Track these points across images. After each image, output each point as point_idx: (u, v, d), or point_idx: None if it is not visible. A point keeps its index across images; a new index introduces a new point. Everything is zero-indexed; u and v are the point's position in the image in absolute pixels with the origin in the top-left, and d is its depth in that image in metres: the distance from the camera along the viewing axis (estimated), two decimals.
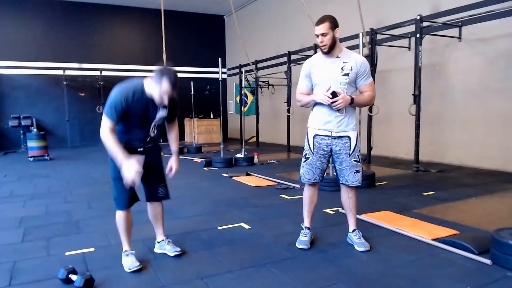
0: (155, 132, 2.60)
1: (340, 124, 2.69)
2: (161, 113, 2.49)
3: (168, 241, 2.77)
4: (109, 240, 3.06)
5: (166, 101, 2.35)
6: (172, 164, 2.66)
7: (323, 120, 2.72)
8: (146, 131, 2.53)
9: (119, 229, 2.56)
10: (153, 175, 2.62)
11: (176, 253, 2.69)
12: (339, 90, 2.61)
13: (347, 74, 2.64)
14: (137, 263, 2.47)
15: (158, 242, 2.79)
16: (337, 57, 2.67)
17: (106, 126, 2.31)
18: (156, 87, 2.29)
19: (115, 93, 2.35)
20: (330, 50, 2.63)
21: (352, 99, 2.63)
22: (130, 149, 2.42)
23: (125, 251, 2.56)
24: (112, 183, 2.50)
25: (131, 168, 2.23)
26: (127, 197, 2.50)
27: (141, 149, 2.53)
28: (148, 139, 2.56)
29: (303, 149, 2.89)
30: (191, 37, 13.62)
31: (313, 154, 2.78)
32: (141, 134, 2.52)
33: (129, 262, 2.48)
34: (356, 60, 2.67)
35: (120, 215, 2.53)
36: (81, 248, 2.88)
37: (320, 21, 2.59)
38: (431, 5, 6.81)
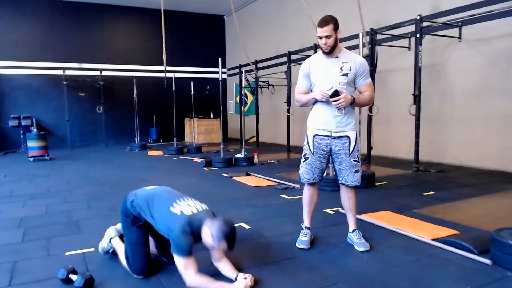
0: None
1: (339, 124, 2.70)
2: None
3: None
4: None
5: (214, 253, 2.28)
6: (250, 282, 2.23)
7: (323, 120, 2.72)
8: None
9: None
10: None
11: None
12: (341, 89, 2.62)
13: (346, 74, 2.64)
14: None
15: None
16: (337, 57, 2.68)
17: (188, 270, 2.12)
18: (214, 242, 2.14)
19: (180, 234, 2.14)
20: (331, 51, 2.64)
21: (353, 98, 2.64)
22: None
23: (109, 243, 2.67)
24: (129, 247, 2.40)
25: None
26: (147, 264, 2.39)
27: None
28: None
29: (302, 149, 2.89)
30: (191, 37, 13.62)
31: (312, 154, 2.78)
32: None
33: (105, 245, 2.64)
34: (355, 60, 2.68)
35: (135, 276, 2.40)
36: (81, 248, 2.88)
37: (323, 23, 2.58)
38: (431, 5, 6.81)
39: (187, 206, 2.28)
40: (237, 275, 2.25)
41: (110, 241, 2.65)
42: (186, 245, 2.12)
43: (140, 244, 2.37)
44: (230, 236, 2.13)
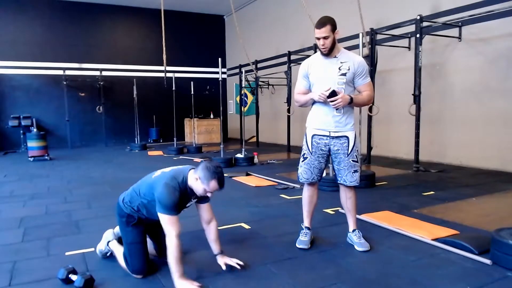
0: None
1: (338, 124, 2.70)
2: (193, 201, 2.43)
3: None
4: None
5: (210, 196, 2.33)
6: (233, 263, 2.40)
7: (322, 120, 2.73)
8: None
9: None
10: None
11: None
12: (339, 89, 2.62)
13: (344, 74, 2.65)
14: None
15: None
16: (335, 57, 2.68)
17: (171, 227, 2.15)
18: (203, 184, 2.19)
19: (163, 188, 2.18)
20: (329, 52, 2.65)
21: (351, 98, 2.64)
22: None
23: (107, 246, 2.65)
24: (126, 247, 2.40)
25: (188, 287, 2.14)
26: (145, 263, 2.39)
27: None
28: None
29: (301, 149, 2.89)
30: (191, 37, 13.62)
31: (311, 153, 2.78)
32: None
33: (102, 247, 2.63)
34: (353, 60, 2.68)
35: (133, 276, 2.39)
36: (81, 248, 2.88)
37: (321, 24, 2.58)
38: (431, 5, 6.81)
39: (166, 168, 2.37)
40: (218, 253, 2.43)
41: (107, 244, 2.64)
42: (170, 201, 2.13)
43: (137, 244, 2.38)
44: (218, 172, 2.17)
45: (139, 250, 2.37)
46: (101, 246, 2.68)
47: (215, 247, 2.47)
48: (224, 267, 2.39)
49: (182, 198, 2.24)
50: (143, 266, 2.36)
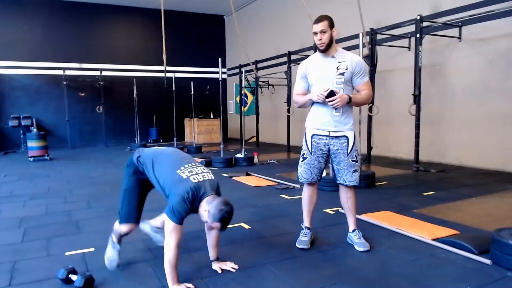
0: None
1: (337, 123, 2.70)
2: None
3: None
4: (109, 240, 3.05)
5: (218, 229, 2.27)
6: (228, 266, 2.47)
7: (321, 120, 2.73)
8: None
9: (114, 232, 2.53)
10: None
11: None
12: (337, 89, 2.62)
13: (342, 74, 2.65)
14: (117, 261, 2.49)
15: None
16: (333, 57, 2.69)
17: (174, 236, 2.14)
18: (209, 218, 2.14)
19: (181, 200, 2.13)
20: (327, 49, 2.65)
21: (350, 98, 2.64)
22: None
23: (113, 242, 2.54)
24: (122, 193, 2.44)
25: None
26: (136, 211, 2.43)
27: None
28: None
29: (301, 149, 2.90)
30: (191, 37, 13.62)
31: (310, 153, 2.78)
32: None
33: (111, 255, 2.50)
34: (351, 59, 2.68)
35: (121, 230, 2.44)
36: (81, 248, 2.88)
37: (318, 20, 2.63)
38: (431, 5, 6.81)
39: (195, 173, 2.23)
40: (214, 260, 2.47)
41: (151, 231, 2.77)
42: (181, 212, 2.12)
43: (132, 192, 2.39)
44: (225, 218, 2.13)
45: (132, 198, 2.39)
46: (146, 228, 2.79)
47: (212, 253, 2.49)
48: (219, 271, 2.42)
49: (191, 211, 2.22)
50: (129, 213, 2.38)
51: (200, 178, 2.21)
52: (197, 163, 2.37)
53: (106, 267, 2.50)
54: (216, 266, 2.46)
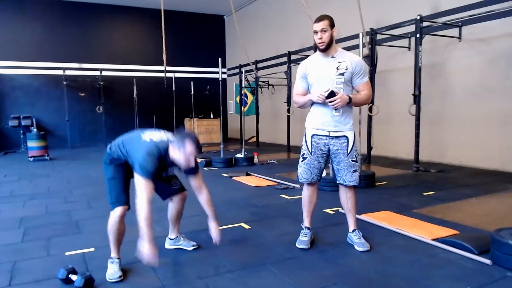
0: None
1: (337, 124, 2.70)
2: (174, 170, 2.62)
3: (183, 237, 2.89)
4: (109, 240, 3.05)
5: (192, 163, 2.41)
6: (213, 234, 2.61)
7: (321, 120, 2.73)
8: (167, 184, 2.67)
9: (110, 233, 2.45)
10: (165, 182, 2.70)
11: (194, 247, 2.82)
12: (337, 89, 2.62)
13: (342, 74, 2.65)
14: (119, 274, 2.37)
15: (171, 239, 2.87)
16: (333, 57, 2.69)
17: (145, 191, 2.23)
18: (180, 152, 2.31)
19: (150, 156, 2.27)
20: (327, 48, 2.65)
21: (350, 98, 2.64)
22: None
23: (112, 257, 2.47)
24: (107, 183, 2.49)
25: (148, 253, 2.18)
26: (123, 193, 2.49)
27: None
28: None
29: (300, 149, 2.90)
30: (191, 37, 13.61)
31: (310, 154, 2.78)
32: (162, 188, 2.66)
33: (112, 272, 2.38)
34: (351, 59, 2.69)
35: (113, 218, 2.41)
36: (81, 248, 2.88)
37: (319, 19, 2.63)
38: (431, 5, 6.81)
39: (156, 135, 2.43)
40: (210, 217, 2.63)
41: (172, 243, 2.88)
42: (149, 167, 2.24)
43: (116, 178, 2.46)
44: (192, 137, 2.34)
45: (117, 184, 2.45)
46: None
47: (208, 212, 2.66)
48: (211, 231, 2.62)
49: (161, 166, 2.36)
50: (119, 196, 2.43)
51: (162, 137, 2.42)
52: (159, 130, 2.56)
53: (107, 267, 2.49)
54: (211, 225, 2.63)
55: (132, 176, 2.49)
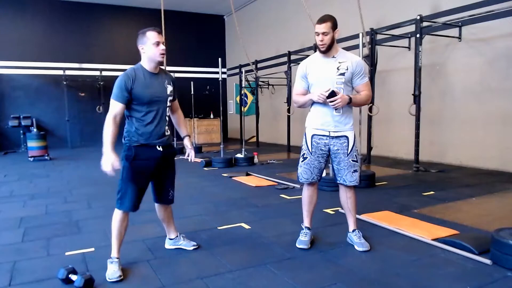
0: (167, 121, 2.61)
1: (337, 124, 2.70)
2: (169, 88, 2.62)
3: (183, 237, 2.87)
4: (109, 240, 3.04)
5: (163, 48, 2.48)
6: (188, 150, 2.74)
7: (321, 120, 2.73)
8: (160, 123, 2.53)
9: (114, 231, 2.48)
10: (167, 179, 2.67)
11: (194, 247, 2.81)
12: (337, 90, 2.62)
13: (342, 74, 2.65)
14: (119, 273, 2.36)
15: (171, 239, 2.86)
16: (333, 57, 2.69)
17: (112, 111, 2.40)
18: (148, 47, 2.45)
19: (119, 78, 2.45)
20: (327, 50, 2.65)
21: (350, 98, 2.64)
22: (148, 147, 2.47)
23: (111, 257, 2.46)
24: (121, 183, 2.52)
25: (110, 163, 2.30)
26: (136, 199, 2.49)
27: (160, 147, 2.52)
28: (164, 134, 2.56)
29: (301, 149, 2.90)
30: (191, 37, 13.61)
31: (311, 154, 2.78)
32: (156, 128, 2.51)
33: (111, 271, 2.37)
34: (351, 60, 2.69)
35: (120, 217, 2.48)
36: (81, 248, 2.88)
37: (322, 20, 2.62)
38: (431, 5, 6.81)
39: None
40: (185, 136, 2.79)
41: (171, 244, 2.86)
42: (117, 86, 2.40)
43: (135, 183, 2.50)
44: (146, 28, 2.48)
45: (135, 191, 2.48)
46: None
47: (182, 131, 2.83)
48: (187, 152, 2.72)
49: (139, 84, 2.45)
50: (132, 201, 2.48)
51: None
52: None
53: (106, 267, 2.49)
54: (186, 143, 2.75)
55: (152, 180, 2.58)
